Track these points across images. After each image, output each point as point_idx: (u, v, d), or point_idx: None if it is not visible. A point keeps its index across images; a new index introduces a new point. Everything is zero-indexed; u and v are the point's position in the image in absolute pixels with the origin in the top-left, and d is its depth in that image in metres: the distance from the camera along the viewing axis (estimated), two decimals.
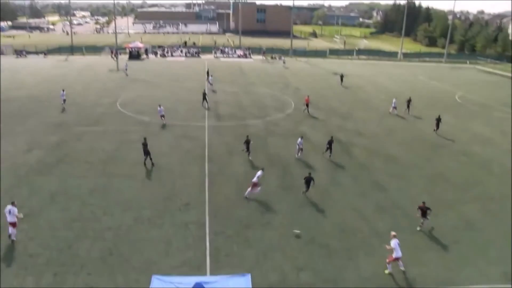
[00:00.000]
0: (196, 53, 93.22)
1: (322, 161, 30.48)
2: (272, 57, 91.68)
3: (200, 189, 25.10)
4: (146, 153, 27.98)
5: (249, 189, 24.07)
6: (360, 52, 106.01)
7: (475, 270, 18.52)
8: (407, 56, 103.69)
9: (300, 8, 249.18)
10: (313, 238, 20.43)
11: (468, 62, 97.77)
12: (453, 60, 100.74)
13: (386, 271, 17.96)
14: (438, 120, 38.63)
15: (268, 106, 46.78)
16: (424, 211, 21.09)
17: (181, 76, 65.10)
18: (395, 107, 45.34)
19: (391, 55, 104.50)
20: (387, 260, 18.02)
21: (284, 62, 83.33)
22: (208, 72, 60.44)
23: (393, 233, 18.18)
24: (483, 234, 21.60)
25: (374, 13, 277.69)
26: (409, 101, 45.82)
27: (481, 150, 34.59)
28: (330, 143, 30.95)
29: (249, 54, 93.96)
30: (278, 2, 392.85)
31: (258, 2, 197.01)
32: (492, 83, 72.51)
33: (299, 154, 31.00)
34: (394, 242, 17.72)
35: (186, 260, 18.21)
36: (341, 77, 62.97)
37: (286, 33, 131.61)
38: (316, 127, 39.42)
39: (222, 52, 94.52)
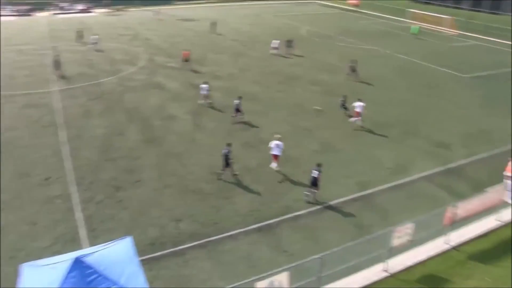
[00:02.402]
0: (28, 10, 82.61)
1: (182, 109, 30.19)
2: (118, 9, 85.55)
3: (58, 159, 23.19)
4: None
5: (353, 118, 27.41)
6: None
7: (337, 186, 20.78)
8: None
9: None
10: (186, 186, 20.60)
11: None
12: None
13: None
14: (353, 67, 37.92)
15: (119, 61, 44.16)
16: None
17: (14, 38, 57.33)
18: (275, 47, 46.13)
19: None
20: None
21: (156, 14, 76.85)
22: (80, 32, 52.87)
23: (277, 135, 21.82)
24: (341, 154, 24.11)
25: None
26: (290, 41, 46.91)
27: (328, 78, 37.52)
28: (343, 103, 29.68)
29: (91, 7, 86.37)
30: None
31: None
32: (332, 16, 78.16)
33: (203, 101, 30.73)
34: (274, 143, 21.30)
35: (58, 237, 16.96)
36: (212, 24, 60.65)
37: None
38: (171, 76, 38.58)
39: (61, 8, 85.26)
